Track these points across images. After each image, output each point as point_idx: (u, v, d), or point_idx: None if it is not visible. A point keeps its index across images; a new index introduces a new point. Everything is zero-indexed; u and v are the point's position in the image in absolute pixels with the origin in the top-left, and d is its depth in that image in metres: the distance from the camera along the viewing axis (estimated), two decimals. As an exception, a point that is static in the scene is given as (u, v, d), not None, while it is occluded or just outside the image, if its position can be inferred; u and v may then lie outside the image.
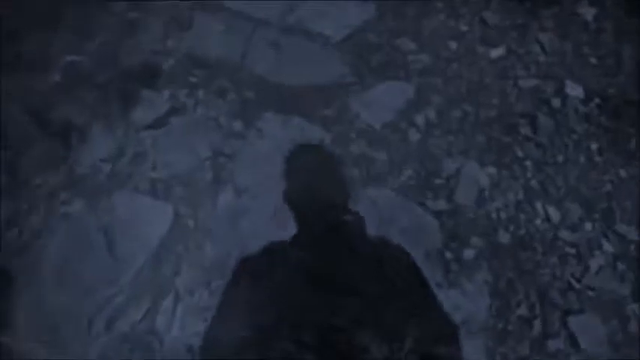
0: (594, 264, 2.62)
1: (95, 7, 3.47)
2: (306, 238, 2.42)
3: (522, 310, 2.49)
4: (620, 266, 2.59)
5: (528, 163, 2.94)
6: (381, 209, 2.71)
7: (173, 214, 2.65)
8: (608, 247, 2.66)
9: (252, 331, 2.10)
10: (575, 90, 3.20)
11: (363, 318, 1.93)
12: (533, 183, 2.89)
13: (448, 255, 2.63)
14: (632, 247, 2.65)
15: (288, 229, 2.56)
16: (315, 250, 2.26)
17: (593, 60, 3.40)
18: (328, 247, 2.26)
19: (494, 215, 2.77)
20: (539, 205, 2.80)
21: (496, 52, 3.46)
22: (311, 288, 2.09)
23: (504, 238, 2.70)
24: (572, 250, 2.67)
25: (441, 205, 2.81)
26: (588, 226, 2.73)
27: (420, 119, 3.15)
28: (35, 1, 3.33)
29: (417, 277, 2.21)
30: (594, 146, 3.00)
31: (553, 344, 2.42)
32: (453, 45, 3.50)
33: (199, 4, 3.53)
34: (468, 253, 2.65)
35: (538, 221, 2.76)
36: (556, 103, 3.17)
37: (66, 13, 3.42)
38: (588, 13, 3.58)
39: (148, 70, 3.19)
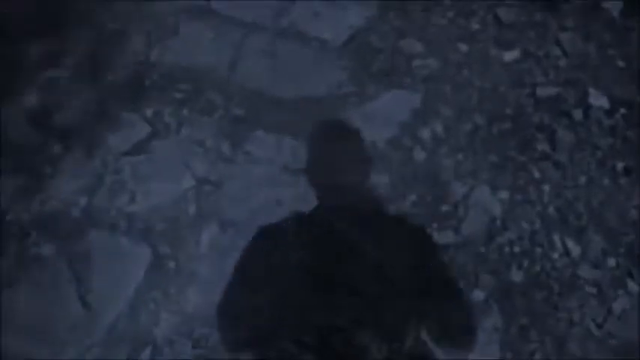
0: (618, 307, 2.24)
1: (75, 19, 3.09)
2: (307, 239, 2.25)
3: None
4: (648, 310, 2.22)
5: (546, 186, 2.55)
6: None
7: (152, 255, 2.34)
8: (633, 286, 2.28)
9: (252, 332, 2.04)
10: (598, 100, 2.77)
11: (363, 318, 1.86)
12: (551, 210, 2.50)
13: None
14: (662, 286, 2.27)
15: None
16: (315, 250, 2.15)
17: (619, 63, 2.95)
18: (328, 247, 2.15)
19: (506, 249, 2.40)
20: (556, 237, 2.42)
21: (511, 55, 3.02)
22: (311, 288, 2.01)
23: (517, 276, 2.33)
24: (594, 290, 2.29)
25: (448, 236, 2.45)
26: (612, 261, 2.35)
27: (425, 134, 2.76)
28: (10, 13, 2.96)
29: (418, 277, 2.07)
30: (620, 165, 2.58)
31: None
32: (463, 47, 3.07)
33: (186, 9, 3.14)
34: (478, 295, 2.29)
35: (555, 255, 2.38)
36: (577, 114, 2.74)
37: (43, 25, 3.05)
38: (614, 7, 3.11)
39: (130, 86, 2.84)
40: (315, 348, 1.79)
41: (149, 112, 2.76)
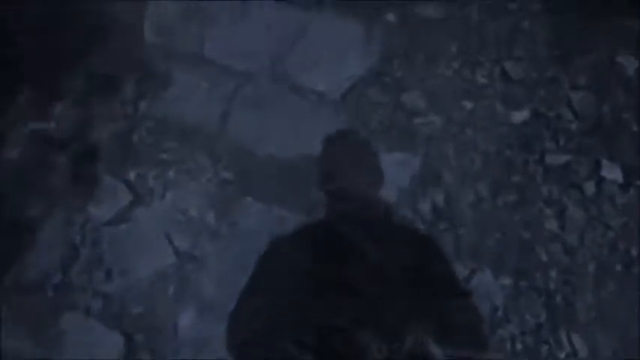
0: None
1: (65, 62, 2.76)
2: (307, 240, 2.17)
3: None
4: None
5: (553, 272, 2.21)
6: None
7: (125, 345, 2.02)
8: (647, 397, 1.96)
9: (252, 332, 1.96)
10: (612, 172, 2.42)
11: (363, 318, 1.81)
12: (558, 300, 2.17)
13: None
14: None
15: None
16: (316, 251, 2.07)
17: (634, 127, 2.59)
18: (329, 248, 2.08)
19: (507, 345, 2.07)
20: (563, 334, 2.09)
21: (519, 116, 2.67)
22: (311, 289, 1.96)
23: (520, 378, 2.01)
24: (603, 399, 1.97)
25: (445, 327, 2.12)
26: (624, 366, 2.02)
27: (425, 206, 2.42)
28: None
29: (417, 278, 1.99)
30: (634, 251, 2.24)
31: None
32: (468, 104, 2.72)
33: (178, 56, 2.79)
34: (475, 399, 1.97)
35: (562, 356, 2.05)
36: (589, 188, 2.40)
37: (32, 69, 2.71)
38: (629, 64, 2.74)
39: (116, 144, 2.50)
40: (315, 348, 1.75)
41: (133, 175, 2.44)
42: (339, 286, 1.92)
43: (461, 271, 2.24)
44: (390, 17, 2.97)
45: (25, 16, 2.64)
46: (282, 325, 1.90)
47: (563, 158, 2.51)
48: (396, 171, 2.53)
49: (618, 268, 2.23)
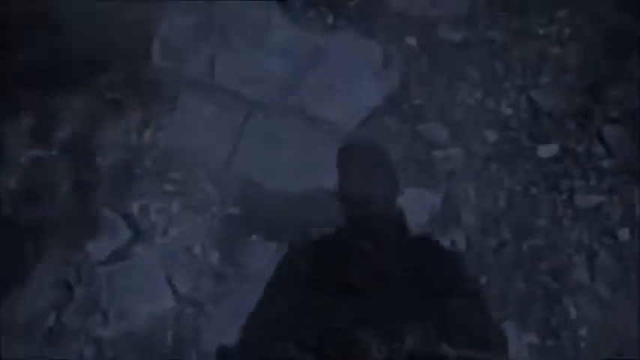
0: None
1: (70, 83, 2.56)
2: (308, 242, 2.04)
3: None
4: None
5: (583, 330, 1.93)
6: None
7: None
8: None
9: (253, 333, 1.83)
10: None
11: (364, 319, 1.65)
12: None
13: None
14: None
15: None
16: (316, 251, 1.95)
17: None
18: (329, 249, 1.98)
19: None
20: None
21: (547, 150, 2.39)
22: (311, 290, 1.87)
23: None
24: None
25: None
26: None
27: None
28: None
29: (418, 278, 1.89)
30: None
31: None
32: (492, 136, 2.44)
33: (187, 81, 2.57)
34: None
35: None
36: (623, 235, 2.12)
37: (35, 92, 2.52)
38: None
39: (119, 173, 2.29)
40: (315, 349, 1.61)
41: (136, 207, 2.22)
42: (339, 287, 1.82)
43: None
44: (411, 41, 2.71)
45: (27, 35, 2.43)
46: (283, 326, 1.77)
47: (594, 199, 2.22)
48: (413, 208, 2.27)
49: (656, 326, 1.95)
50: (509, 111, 2.47)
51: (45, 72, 2.45)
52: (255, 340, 1.79)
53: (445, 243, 2.14)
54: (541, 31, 2.62)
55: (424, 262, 1.92)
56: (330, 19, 2.70)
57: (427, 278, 1.88)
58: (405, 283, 1.83)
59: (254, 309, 1.85)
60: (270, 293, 1.90)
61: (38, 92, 2.43)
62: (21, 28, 2.39)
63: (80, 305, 1.97)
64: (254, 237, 2.12)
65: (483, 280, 2.05)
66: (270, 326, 1.80)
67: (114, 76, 2.50)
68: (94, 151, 2.34)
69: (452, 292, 1.84)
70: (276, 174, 2.32)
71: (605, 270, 2.04)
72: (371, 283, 1.82)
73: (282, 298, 1.90)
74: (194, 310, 1.98)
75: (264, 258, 2.09)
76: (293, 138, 2.44)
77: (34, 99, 2.41)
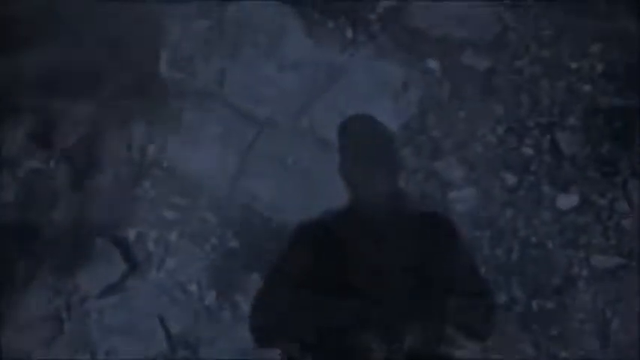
0: None
1: (76, 85, 2.33)
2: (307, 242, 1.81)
3: None
4: None
5: None
6: None
7: None
8: None
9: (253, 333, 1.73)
10: None
11: (364, 319, 1.65)
12: None
13: None
14: None
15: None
16: (316, 252, 1.79)
17: None
18: (329, 250, 1.80)
19: None
20: None
21: (566, 201, 2.17)
22: (311, 290, 1.73)
23: None
24: None
25: None
26: None
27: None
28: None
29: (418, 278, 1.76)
30: None
31: None
32: (511, 179, 2.22)
33: (194, 93, 2.34)
34: None
35: None
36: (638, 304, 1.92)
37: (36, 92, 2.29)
38: None
39: (118, 195, 2.10)
40: (315, 348, 1.62)
41: (132, 235, 2.02)
42: (339, 287, 1.70)
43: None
44: (432, 64, 2.45)
45: (31, 41, 2.19)
46: (283, 325, 1.71)
47: (613, 261, 2.02)
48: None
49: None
50: (530, 152, 2.23)
51: (46, 79, 2.22)
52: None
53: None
54: (573, 65, 2.36)
55: (425, 260, 1.79)
56: (349, 33, 2.44)
57: (427, 278, 1.73)
58: (405, 284, 1.71)
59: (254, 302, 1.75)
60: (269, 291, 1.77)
61: (38, 101, 2.20)
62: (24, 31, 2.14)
63: (69, 341, 1.80)
64: (255, 276, 1.93)
65: (488, 341, 1.87)
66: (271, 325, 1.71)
67: (117, 87, 2.26)
68: (94, 167, 2.13)
69: (452, 292, 1.72)
70: (281, 203, 2.12)
71: (618, 342, 1.86)
72: (371, 283, 1.70)
73: (280, 297, 1.76)
74: (187, 353, 1.80)
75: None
76: (302, 163, 2.21)
77: (34, 109, 2.18)
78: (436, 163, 2.16)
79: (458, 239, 1.85)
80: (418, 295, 1.70)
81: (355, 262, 1.76)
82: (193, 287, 1.86)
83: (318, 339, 1.65)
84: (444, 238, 1.84)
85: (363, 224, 1.80)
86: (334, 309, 1.68)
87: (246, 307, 1.86)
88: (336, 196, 2.05)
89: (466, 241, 1.91)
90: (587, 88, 2.25)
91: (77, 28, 2.11)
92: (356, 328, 1.64)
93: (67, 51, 2.09)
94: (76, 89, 2.17)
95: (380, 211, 1.82)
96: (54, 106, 2.12)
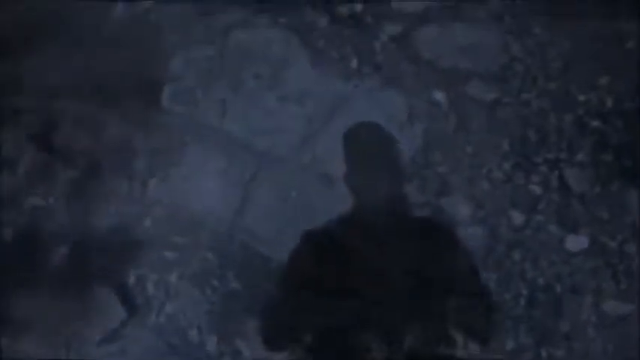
0: None
1: (76, 115, 2.21)
2: (308, 245, 1.93)
3: None
4: None
5: None
6: None
7: None
8: None
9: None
10: None
11: (364, 319, 1.72)
12: None
13: None
14: None
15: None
16: (317, 254, 1.90)
17: None
18: (329, 251, 1.91)
19: None
20: None
21: (575, 242, 2.06)
22: (312, 291, 1.83)
23: None
24: None
25: None
26: None
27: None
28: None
29: (417, 279, 1.83)
30: None
31: None
32: (519, 218, 2.11)
33: (195, 126, 2.23)
34: None
35: None
36: None
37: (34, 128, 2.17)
38: None
39: (117, 237, 1.99)
40: (315, 349, 1.69)
41: (132, 278, 1.92)
42: (340, 288, 1.79)
43: None
44: (438, 96, 2.34)
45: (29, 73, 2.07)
46: (283, 326, 1.79)
47: (624, 309, 1.92)
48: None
49: None
50: (538, 190, 2.12)
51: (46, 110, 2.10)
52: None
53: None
54: (581, 98, 2.25)
55: (425, 261, 1.83)
56: (354, 63, 2.33)
57: (427, 278, 1.79)
58: (405, 285, 1.75)
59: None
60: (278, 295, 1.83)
61: (40, 130, 2.09)
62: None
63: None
64: (255, 320, 1.82)
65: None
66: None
67: (119, 118, 2.15)
68: (95, 206, 2.02)
69: (452, 292, 1.77)
70: (282, 242, 2.01)
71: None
72: (372, 285, 1.74)
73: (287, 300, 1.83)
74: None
75: (261, 346, 1.81)
76: (305, 198, 2.11)
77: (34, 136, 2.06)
78: (442, 200, 2.04)
79: (457, 241, 1.90)
80: (418, 296, 1.74)
81: (357, 265, 1.80)
82: (194, 332, 1.74)
83: (320, 339, 1.68)
84: (444, 240, 1.92)
85: (365, 228, 1.89)
86: (336, 310, 1.72)
87: (247, 352, 1.76)
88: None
89: (465, 243, 1.95)
90: (595, 123, 2.13)
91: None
92: (357, 329, 1.67)
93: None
94: (75, 119, 2.04)
95: (382, 215, 1.89)
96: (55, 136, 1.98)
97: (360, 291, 1.77)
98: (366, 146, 2.20)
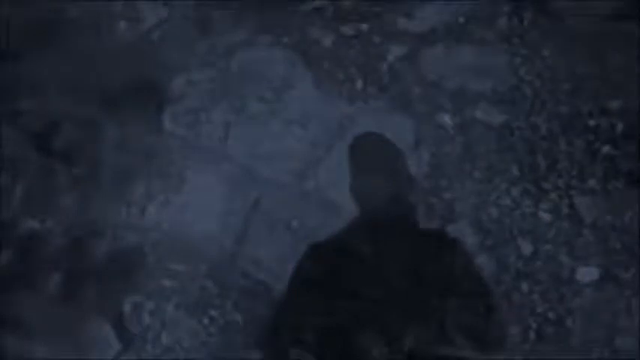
0: None
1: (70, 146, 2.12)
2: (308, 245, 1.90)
3: None
4: None
5: None
6: None
7: None
8: None
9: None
10: None
11: (364, 320, 1.70)
12: None
13: None
14: None
15: None
16: (317, 255, 1.88)
17: None
18: (329, 253, 1.90)
19: None
20: None
21: (586, 275, 1.95)
22: (312, 292, 1.81)
23: None
24: None
25: None
26: None
27: None
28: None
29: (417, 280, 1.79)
30: None
31: None
32: (527, 248, 2.00)
33: (197, 151, 2.13)
34: None
35: None
36: None
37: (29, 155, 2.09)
38: None
39: (115, 265, 1.89)
40: (315, 349, 1.66)
41: (128, 306, 1.82)
42: (340, 289, 1.77)
43: None
44: (446, 119, 2.24)
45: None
46: (284, 326, 1.76)
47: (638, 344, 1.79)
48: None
49: None
50: (547, 217, 2.01)
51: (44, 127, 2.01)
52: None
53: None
54: (591, 122, 2.14)
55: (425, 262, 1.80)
56: (359, 84, 2.24)
57: (427, 279, 1.78)
58: (405, 284, 1.73)
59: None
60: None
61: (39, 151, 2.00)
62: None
63: None
64: (255, 354, 1.72)
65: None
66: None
67: (119, 140, 2.06)
68: (91, 230, 1.92)
69: (452, 293, 1.74)
70: (283, 271, 1.91)
71: None
72: (375, 287, 1.73)
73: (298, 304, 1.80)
74: None
75: (263, 382, 1.70)
76: (307, 226, 2.01)
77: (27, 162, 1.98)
78: (449, 227, 1.94)
79: (457, 241, 1.88)
80: (418, 296, 1.72)
81: (357, 265, 1.78)
82: (189, 368, 1.63)
83: (320, 339, 1.67)
84: (444, 240, 1.89)
85: (371, 233, 1.87)
86: (336, 310, 1.70)
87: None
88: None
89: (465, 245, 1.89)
90: (606, 148, 2.02)
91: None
92: (357, 329, 1.65)
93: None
94: (71, 144, 1.95)
95: (385, 220, 1.87)
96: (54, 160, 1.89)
97: (360, 291, 1.74)
98: (368, 154, 2.15)
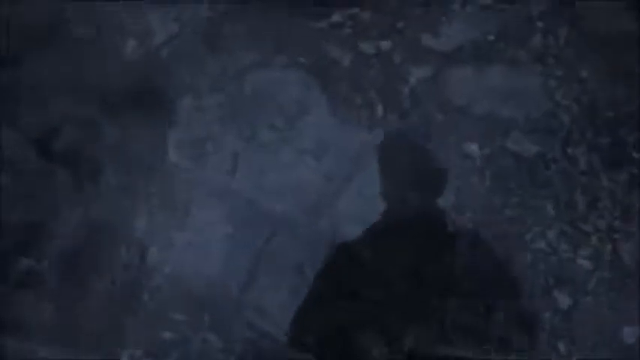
0: None
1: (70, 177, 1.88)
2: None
3: None
4: None
5: None
6: None
7: None
8: None
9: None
10: None
11: (364, 320, 1.66)
12: None
13: None
14: None
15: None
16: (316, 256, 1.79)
17: None
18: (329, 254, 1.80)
19: None
20: None
21: (634, 334, 1.64)
22: (312, 292, 1.74)
23: None
24: None
25: None
26: None
27: None
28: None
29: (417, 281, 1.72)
30: None
31: None
32: (565, 301, 1.73)
33: (202, 185, 1.87)
34: None
35: None
36: None
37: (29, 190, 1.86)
38: None
39: (111, 312, 1.66)
40: (315, 349, 1.63)
41: (125, 358, 1.58)
42: (340, 291, 1.73)
43: None
44: (473, 149, 1.94)
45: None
46: (284, 326, 1.72)
47: None
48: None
49: None
50: (588, 265, 1.70)
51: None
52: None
53: None
54: (636, 155, 1.82)
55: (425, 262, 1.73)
56: (379, 110, 1.95)
57: (427, 279, 1.73)
58: (404, 284, 1.69)
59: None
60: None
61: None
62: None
63: None
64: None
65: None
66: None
67: (121, 173, 1.81)
68: (90, 271, 1.69)
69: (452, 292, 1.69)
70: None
71: None
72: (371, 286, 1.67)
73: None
74: None
75: None
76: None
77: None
78: (475, 275, 1.64)
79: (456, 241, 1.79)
80: (418, 297, 1.68)
81: (357, 266, 1.72)
82: None
83: (320, 340, 1.63)
84: (444, 240, 1.80)
85: (396, 237, 1.77)
86: (337, 310, 1.66)
87: None
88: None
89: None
90: (654, 185, 1.69)
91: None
92: (357, 329, 1.62)
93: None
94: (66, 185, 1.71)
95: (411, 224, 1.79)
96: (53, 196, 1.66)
97: (360, 291, 1.68)
98: (396, 157, 1.96)
